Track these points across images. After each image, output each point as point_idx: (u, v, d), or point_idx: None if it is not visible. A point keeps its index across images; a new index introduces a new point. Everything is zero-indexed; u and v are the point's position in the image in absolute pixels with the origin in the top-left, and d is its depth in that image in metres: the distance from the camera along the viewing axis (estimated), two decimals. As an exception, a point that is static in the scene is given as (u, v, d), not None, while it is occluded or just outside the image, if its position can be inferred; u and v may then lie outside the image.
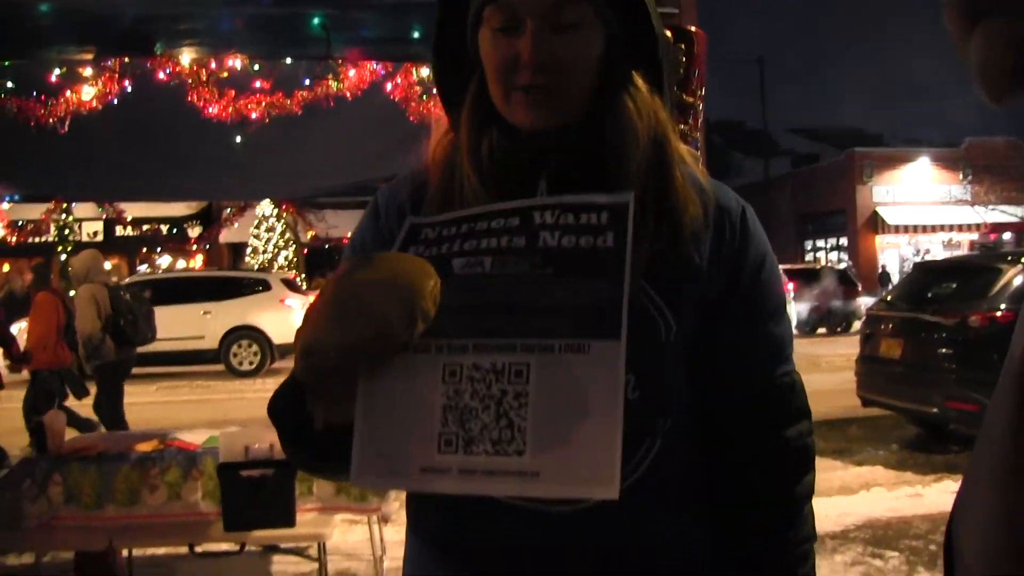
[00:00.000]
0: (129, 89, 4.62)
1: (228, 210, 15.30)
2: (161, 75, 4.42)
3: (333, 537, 3.95)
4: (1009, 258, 7.21)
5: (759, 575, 1.07)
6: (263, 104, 4.63)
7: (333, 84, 4.56)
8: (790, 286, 17.20)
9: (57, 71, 4.33)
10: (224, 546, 4.08)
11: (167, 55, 4.09)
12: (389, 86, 4.64)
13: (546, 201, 0.98)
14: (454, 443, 0.86)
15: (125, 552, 4.03)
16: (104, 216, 18.70)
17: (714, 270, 1.06)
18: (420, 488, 0.91)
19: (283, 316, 14.04)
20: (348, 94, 4.60)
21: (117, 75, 4.52)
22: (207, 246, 20.85)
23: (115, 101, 4.64)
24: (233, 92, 4.67)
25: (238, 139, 4.87)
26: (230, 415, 9.46)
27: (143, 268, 26.27)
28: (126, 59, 4.48)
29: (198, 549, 4.27)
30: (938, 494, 5.75)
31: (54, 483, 3.75)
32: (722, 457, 1.09)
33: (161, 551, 4.41)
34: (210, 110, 4.53)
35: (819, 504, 5.12)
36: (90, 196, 10.78)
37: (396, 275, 0.88)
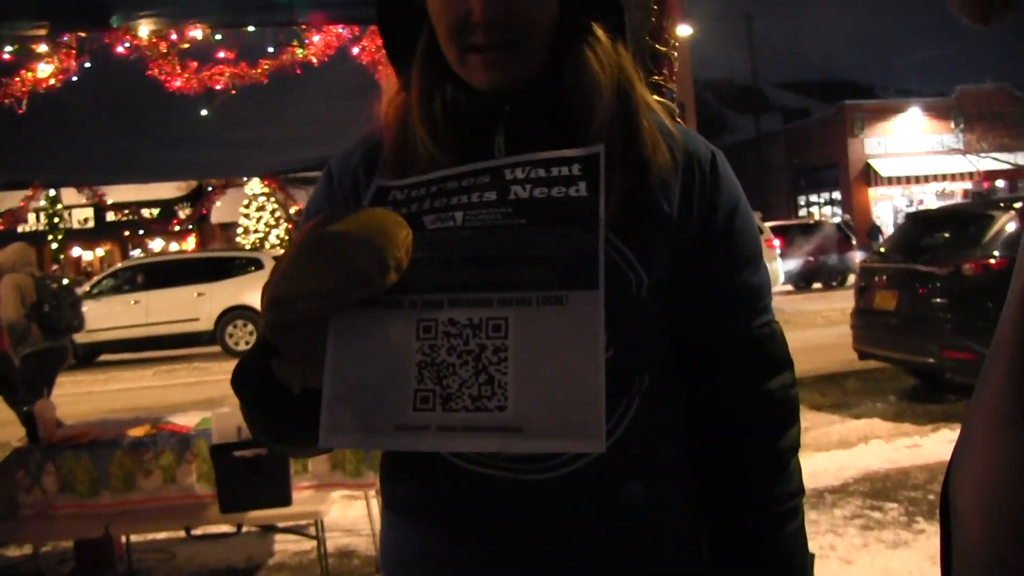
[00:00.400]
0: (88, 65, 4.48)
1: (209, 188, 15.15)
2: (120, 49, 4.29)
3: (331, 514, 3.94)
4: (1001, 204, 7.17)
5: (746, 535, 1.04)
6: (227, 74, 4.50)
7: (299, 50, 4.43)
8: (776, 242, 17.14)
9: (9, 48, 4.19)
10: (221, 528, 4.07)
11: (124, 28, 3.96)
12: (356, 50, 4.51)
13: (517, 159, 0.94)
14: (431, 400, 0.84)
15: (123, 538, 4.02)
16: (93, 201, 18.55)
17: (684, 218, 1.02)
18: (395, 446, 0.88)
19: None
20: (314, 59, 4.47)
21: (74, 51, 4.38)
22: (190, 226, 20.66)
23: (75, 78, 4.51)
24: (196, 64, 4.54)
25: (204, 112, 4.74)
26: (227, 395, 9.39)
27: (136, 253, 26.24)
28: (82, 34, 4.33)
29: (196, 532, 4.28)
30: (936, 444, 5.75)
31: (48, 472, 3.74)
32: (702, 414, 1.05)
33: (160, 536, 4.40)
34: (175, 83, 4.41)
35: (818, 459, 5.11)
36: (63, 181, 10.45)
37: (367, 224, 0.86)
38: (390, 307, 0.86)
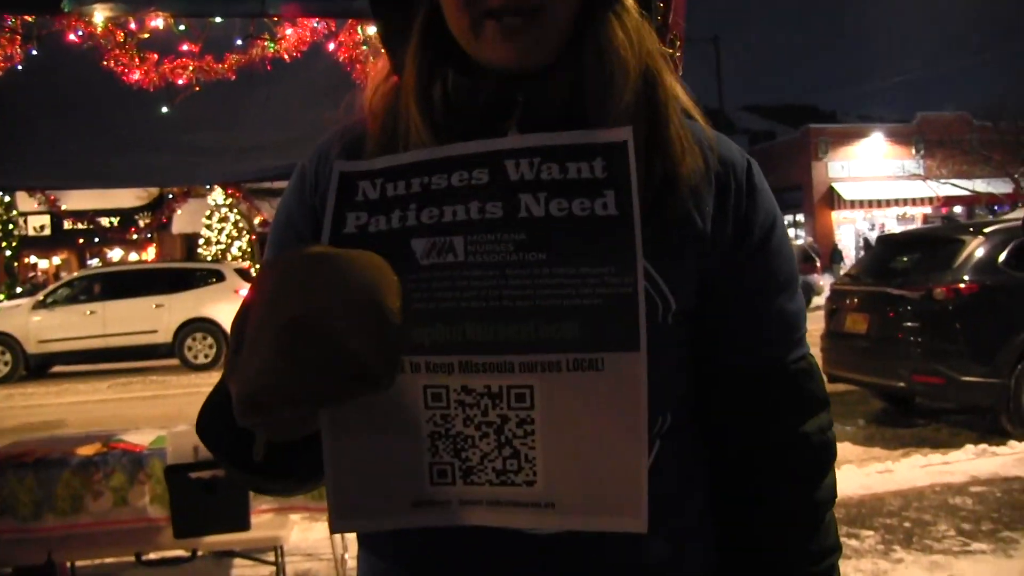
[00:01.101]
0: (35, 52, 4.12)
1: (170, 196, 14.73)
2: (72, 37, 3.98)
3: (291, 537, 3.75)
4: (971, 229, 7.18)
5: None
6: (191, 68, 4.20)
7: (269, 45, 4.14)
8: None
9: None
10: (175, 552, 3.87)
11: (77, 13, 3.66)
12: (332, 46, 4.24)
13: (519, 144, 0.77)
14: (449, 473, 0.73)
15: (68, 564, 3.79)
16: (49, 208, 18.07)
17: (718, 234, 0.88)
18: (416, 523, 0.75)
19: (238, 307, 13.74)
20: (286, 56, 4.20)
21: (20, 36, 4.03)
22: (149, 235, 20.16)
23: (19, 67, 4.15)
24: (156, 55, 4.22)
25: (164, 109, 4.43)
26: (185, 411, 9.18)
27: (94, 262, 25.67)
28: (28, 18, 4.00)
29: (150, 556, 4.06)
30: (908, 469, 5.69)
31: (-12, 493, 3.51)
32: (729, 459, 0.92)
33: (108, 560, 4.17)
34: (132, 76, 4.10)
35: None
36: (9, 184, 9.67)
37: (361, 297, 0.64)
38: None
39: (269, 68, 4.24)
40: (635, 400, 0.70)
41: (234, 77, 4.26)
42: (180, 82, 4.22)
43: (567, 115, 0.85)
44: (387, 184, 0.78)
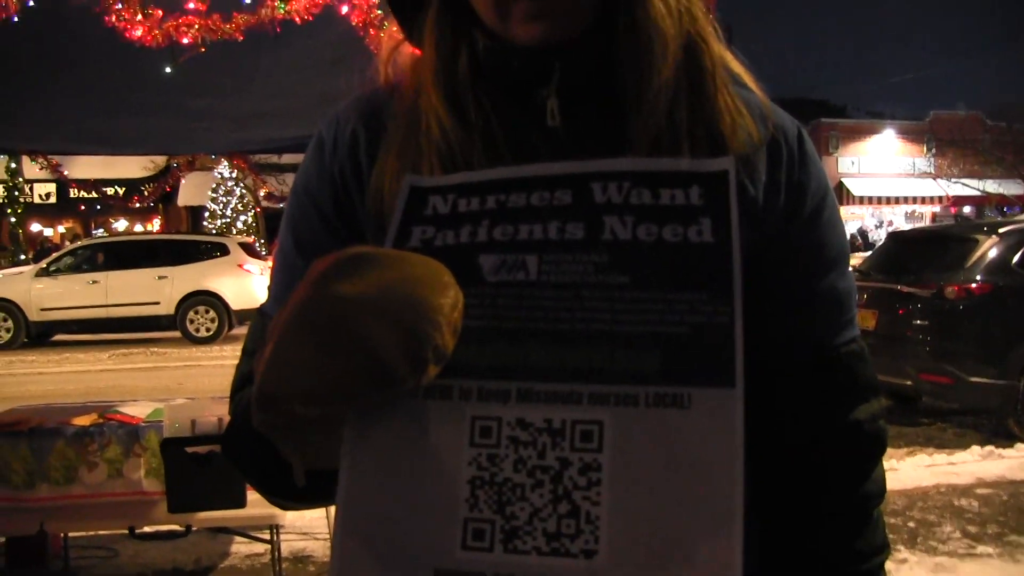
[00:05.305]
0: (32, 3, 3.92)
1: (175, 165, 14.57)
2: None
3: (287, 516, 3.70)
4: (985, 228, 7.09)
5: None
6: (196, 27, 4.03)
7: (279, 5, 3.97)
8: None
9: None
10: (169, 526, 3.82)
11: None
12: (345, 8, 4.08)
13: (608, 167, 0.69)
14: (487, 535, 0.60)
15: (61, 534, 3.75)
16: (54, 176, 18.02)
17: (770, 204, 0.81)
18: None
19: (242, 281, 13.70)
20: (297, 18, 4.04)
21: None
22: (151, 204, 19.98)
23: (15, 19, 3.97)
24: (161, 12, 4.05)
25: (167, 69, 4.27)
26: (185, 384, 9.16)
27: (99, 232, 25.63)
28: None
29: (144, 529, 4.01)
30: (913, 468, 5.63)
31: (-20, 461, 3.46)
32: (774, 449, 0.84)
33: (102, 531, 4.13)
34: (135, 32, 3.94)
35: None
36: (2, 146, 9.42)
37: (395, 284, 0.60)
38: (432, 397, 0.63)
39: (279, 30, 4.07)
40: (729, 446, 0.59)
41: (241, 38, 4.09)
42: (185, 41, 4.03)
43: (608, 83, 0.78)
44: (460, 199, 0.70)
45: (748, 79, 0.84)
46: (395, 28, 0.88)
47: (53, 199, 26.68)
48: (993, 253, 6.64)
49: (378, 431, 0.62)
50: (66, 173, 12.80)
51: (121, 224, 27.60)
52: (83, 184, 16.05)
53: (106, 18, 3.95)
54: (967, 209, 30.16)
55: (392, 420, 0.62)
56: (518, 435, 0.61)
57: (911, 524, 4.55)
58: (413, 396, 0.62)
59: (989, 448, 6.02)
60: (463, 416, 0.62)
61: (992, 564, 3.99)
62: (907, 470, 5.64)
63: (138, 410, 3.83)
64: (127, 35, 3.98)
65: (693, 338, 0.61)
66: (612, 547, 0.58)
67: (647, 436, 0.60)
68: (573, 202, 0.68)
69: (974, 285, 6.52)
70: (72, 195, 23.88)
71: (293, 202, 0.89)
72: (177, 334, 13.88)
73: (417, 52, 0.85)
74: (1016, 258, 6.61)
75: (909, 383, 6.80)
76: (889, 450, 4.20)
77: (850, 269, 0.88)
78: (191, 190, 22.27)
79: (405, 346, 0.58)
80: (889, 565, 3.22)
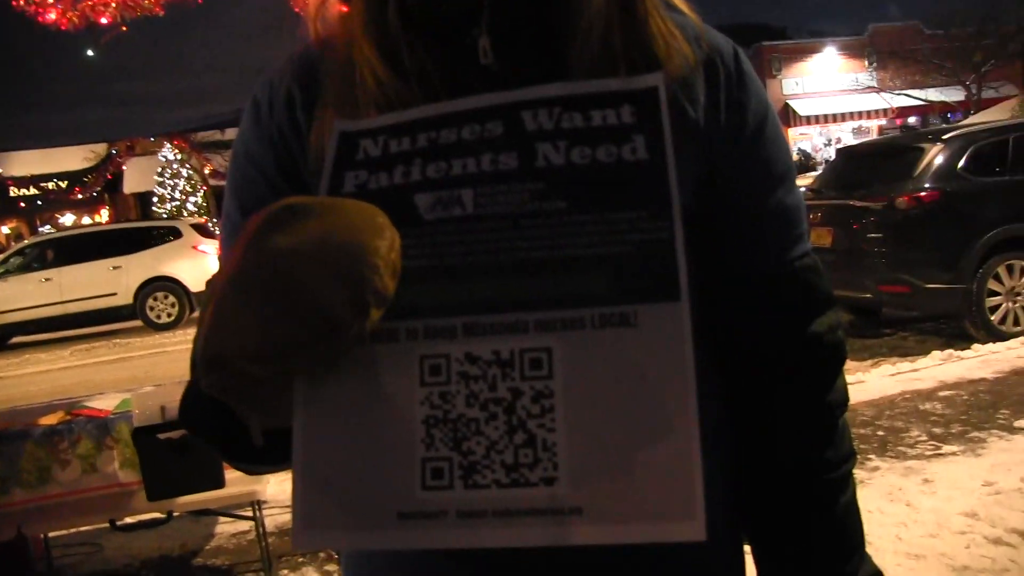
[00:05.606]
0: None
1: (114, 151, 14.25)
2: None
3: (268, 491, 3.70)
4: (929, 136, 7.18)
5: (793, 507, 0.86)
6: (113, 5, 3.85)
7: None
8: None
9: None
10: (150, 515, 3.81)
11: None
12: None
13: (537, 94, 0.68)
14: (446, 473, 0.60)
15: (41, 536, 3.71)
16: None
17: (711, 123, 0.81)
18: (401, 542, 0.60)
19: (198, 263, 13.57)
20: None
21: None
22: (95, 193, 19.51)
23: None
24: None
25: (89, 52, 4.13)
26: (152, 372, 9.07)
27: (46, 229, 25.05)
28: None
29: (125, 521, 4.00)
30: (878, 379, 5.76)
31: (-50, 470, 3.40)
32: (739, 366, 0.86)
33: (84, 527, 4.11)
34: (48, 16, 3.75)
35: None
36: None
37: (330, 231, 0.59)
38: (380, 341, 0.62)
39: (200, 2, 3.92)
40: (679, 361, 0.58)
41: (162, 13, 3.92)
42: (104, 21, 3.86)
43: (538, 15, 0.76)
44: (390, 140, 0.69)
45: (680, 2, 0.83)
46: None
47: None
48: (939, 160, 6.74)
49: (328, 380, 0.62)
50: (1, 171, 12.43)
51: (68, 218, 26.96)
52: (21, 181, 15.62)
53: (13, 2, 3.75)
54: (912, 120, 30.50)
55: (342, 368, 0.62)
56: (468, 370, 0.61)
57: (880, 432, 4.67)
58: (361, 342, 0.61)
59: (949, 351, 6.17)
60: (412, 356, 0.62)
61: (957, 461, 4.12)
62: (873, 381, 5.77)
63: (105, 403, 3.79)
64: (40, 19, 3.80)
65: (635, 256, 0.61)
66: (571, 472, 0.58)
67: (596, 358, 0.59)
68: (504, 132, 0.67)
69: (923, 194, 6.62)
70: (12, 194, 23.26)
71: (234, 169, 0.88)
72: (139, 323, 13.72)
73: (344, 8, 0.83)
74: (961, 163, 6.71)
75: (869, 296, 6.93)
76: (855, 363, 4.27)
77: (796, 185, 0.89)
78: (136, 176, 21.78)
79: (345, 292, 0.58)
80: (861, 473, 3.28)
